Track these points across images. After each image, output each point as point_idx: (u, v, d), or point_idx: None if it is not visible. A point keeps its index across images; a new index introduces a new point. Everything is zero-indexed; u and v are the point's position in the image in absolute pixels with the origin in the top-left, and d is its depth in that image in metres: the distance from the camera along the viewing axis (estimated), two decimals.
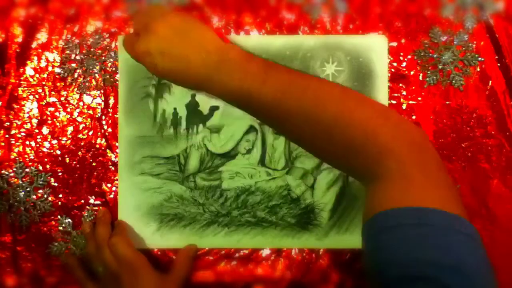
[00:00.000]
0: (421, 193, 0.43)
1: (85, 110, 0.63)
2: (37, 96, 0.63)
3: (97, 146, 0.63)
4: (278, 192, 0.62)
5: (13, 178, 0.62)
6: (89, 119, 0.63)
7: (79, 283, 0.60)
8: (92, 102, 0.63)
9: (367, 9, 0.63)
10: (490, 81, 0.62)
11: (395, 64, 0.63)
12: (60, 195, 0.63)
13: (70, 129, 0.63)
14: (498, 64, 0.62)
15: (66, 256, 0.61)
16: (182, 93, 0.63)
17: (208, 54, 0.50)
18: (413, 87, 0.63)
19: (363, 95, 0.55)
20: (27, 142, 0.63)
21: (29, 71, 0.63)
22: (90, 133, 0.63)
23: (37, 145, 0.63)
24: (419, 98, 0.63)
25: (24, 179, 0.62)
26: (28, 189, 0.62)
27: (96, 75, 0.63)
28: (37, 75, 0.63)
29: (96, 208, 0.62)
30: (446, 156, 0.62)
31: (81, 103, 0.63)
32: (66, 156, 0.63)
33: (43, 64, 0.63)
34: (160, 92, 0.63)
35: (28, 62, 0.63)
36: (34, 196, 0.62)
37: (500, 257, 0.61)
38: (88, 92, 0.63)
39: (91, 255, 0.59)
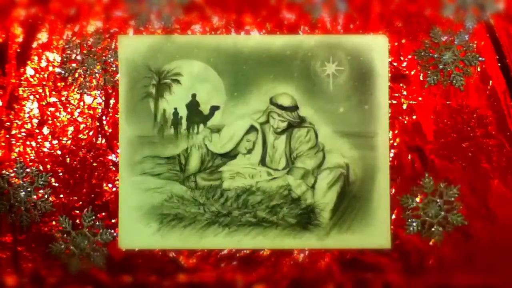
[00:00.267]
0: None
1: (86, 110, 0.63)
2: (37, 96, 0.63)
3: (98, 146, 0.63)
4: (278, 192, 0.62)
5: (13, 178, 0.62)
6: (89, 119, 0.63)
7: None
8: (92, 102, 0.63)
9: (367, 9, 0.63)
10: (491, 81, 0.62)
11: (395, 64, 0.63)
12: (61, 195, 0.63)
13: (70, 129, 0.63)
14: (499, 64, 0.62)
15: None
16: (182, 93, 0.63)
17: None
18: (414, 87, 0.63)
19: None
20: (28, 142, 0.63)
21: (29, 71, 0.63)
22: (91, 133, 0.63)
23: (38, 145, 0.63)
24: (420, 98, 0.63)
25: (24, 179, 0.62)
26: (28, 189, 0.62)
27: (97, 75, 0.63)
28: (37, 75, 0.63)
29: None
30: (447, 156, 0.62)
31: (81, 103, 0.63)
32: (67, 156, 0.63)
33: (43, 64, 0.63)
34: (161, 92, 0.63)
35: (29, 62, 0.63)
36: (35, 196, 0.62)
37: (500, 257, 0.61)
38: (89, 92, 0.63)
39: None
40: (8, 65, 0.63)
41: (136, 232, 0.62)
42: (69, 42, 0.63)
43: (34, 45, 0.63)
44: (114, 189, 0.63)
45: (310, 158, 0.62)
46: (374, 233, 0.62)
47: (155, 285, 0.62)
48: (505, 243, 0.61)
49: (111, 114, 0.63)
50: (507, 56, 0.62)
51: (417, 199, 0.62)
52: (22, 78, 0.63)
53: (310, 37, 0.62)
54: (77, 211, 0.63)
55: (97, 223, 0.62)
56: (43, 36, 0.63)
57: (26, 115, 0.63)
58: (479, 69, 0.63)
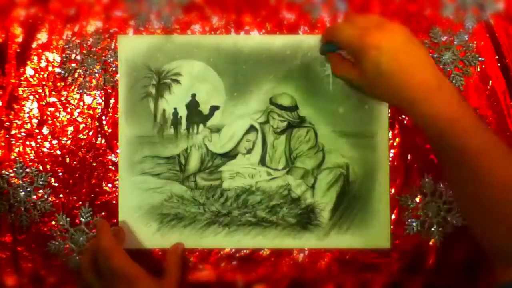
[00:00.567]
0: None
1: (86, 110, 0.63)
2: (37, 96, 0.63)
3: (98, 146, 0.63)
4: (278, 192, 0.62)
5: (13, 178, 0.62)
6: (89, 119, 0.63)
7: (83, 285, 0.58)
8: (92, 102, 0.63)
9: (367, 9, 0.63)
10: (490, 81, 0.63)
11: None
12: (61, 195, 0.63)
13: (70, 129, 0.63)
14: (498, 64, 0.63)
15: (82, 254, 0.60)
16: (182, 93, 0.63)
17: (431, 74, 0.48)
18: None
19: None
20: (28, 142, 0.63)
21: (29, 71, 0.63)
22: (91, 133, 0.63)
23: (38, 145, 0.63)
24: None
25: (24, 179, 0.62)
26: (28, 189, 0.62)
27: (97, 75, 0.63)
28: (37, 75, 0.63)
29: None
30: None
31: (81, 103, 0.63)
32: (67, 156, 0.63)
33: (43, 64, 0.63)
34: (161, 92, 0.63)
35: (28, 62, 0.63)
36: (35, 196, 0.62)
37: None
38: (88, 92, 0.63)
39: (86, 269, 0.57)
40: (7, 65, 0.63)
41: (136, 232, 0.62)
42: (69, 42, 0.63)
43: (34, 45, 0.63)
44: (114, 189, 0.63)
45: (309, 158, 0.62)
46: (374, 233, 0.62)
47: None
48: None
49: (110, 114, 0.63)
50: (507, 56, 0.62)
51: (417, 199, 0.62)
52: (22, 78, 0.63)
53: (310, 37, 0.62)
54: (77, 211, 0.63)
55: (96, 217, 0.62)
56: (43, 36, 0.63)
57: (26, 115, 0.63)
58: (478, 69, 0.63)
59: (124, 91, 0.63)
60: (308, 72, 0.62)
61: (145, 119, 0.62)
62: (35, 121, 0.63)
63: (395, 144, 0.62)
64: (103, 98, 0.63)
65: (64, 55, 0.63)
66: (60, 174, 0.63)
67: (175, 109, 0.63)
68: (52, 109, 0.63)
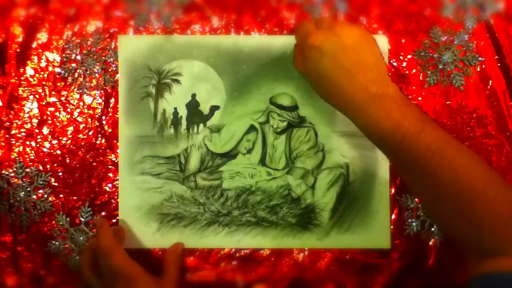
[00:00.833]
0: None
1: (85, 110, 0.63)
2: (37, 96, 0.63)
3: (97, 146, 0.63)
4: (278, 192, 0.62)
5: (13, 178, 0.62)
6: (89, 119, 0.63)
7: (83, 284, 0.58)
8: (92, 102, 0.63)
9: (367, 9, 0.63)
10: (490, 81, 0.63)
11: (395, 64, 0.63)
12: (61, 195, 0.63)
13: (70, 129, 0.63)
14: (498, 64, 0.63)
15: (81, 252, 0.60)
16: (182, 92, 0.63)
17: (372, 81, 0.47)
18: (414, 87, 0.63)
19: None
20: (27, 142, 0.63)
21: (29, 71, 0.63)
22: (90, 133, 0.63)
23: (37, 145, 0.63)
24: (419, 98, 0.63)
25: (24, 179, 0.62)
26: (28, 189, 0.62)
27: (97, 75, 0.63)
28: (37, 75, 0.63)
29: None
30: None
31: (81, 103, 0.63)
32: (67, 156, 0.63)
33: (43, 64, 0.63)
34: (161, 91, 0.63)
35: (28, 62, 0.63)
36: (35, 196, 0.62)
37: None
38: (88, 92, 0.63)
39: (86, 268, 0.57)
40: (8, 65, 0.63)
41: (136, 232, 0.62)
42: (69, 42, 0.63)
43: (34, 45, 0.63)
44: (114, 189, 0.63)
45: (309, 158, 0.62)
46: (374, 233, 0.62)
47: None
48: None
49: (110, 114, 0.63)
50: (507, 56, 0.62)
51: (417, 199, 0.62)
52: (22, 78, 0.63)
53: None
54: (77, 211, 0.63)
55: (96, 217, 0.62)
56: (43, 36, 0.63)
57: (26, 115, 0.63)
58: (478, 69, 0.63)
59: (124, 91, 0.63)
60: None
61: (145, 119, 0.62)
62: (35, 121, 0.63)
63: None
64: (103, 98, 0.63)
65: (64, 55, 0.63)
66: (60, 174, 0.63)
67: (175, 109, 0.63)
68: (52, 109, 0.63)
